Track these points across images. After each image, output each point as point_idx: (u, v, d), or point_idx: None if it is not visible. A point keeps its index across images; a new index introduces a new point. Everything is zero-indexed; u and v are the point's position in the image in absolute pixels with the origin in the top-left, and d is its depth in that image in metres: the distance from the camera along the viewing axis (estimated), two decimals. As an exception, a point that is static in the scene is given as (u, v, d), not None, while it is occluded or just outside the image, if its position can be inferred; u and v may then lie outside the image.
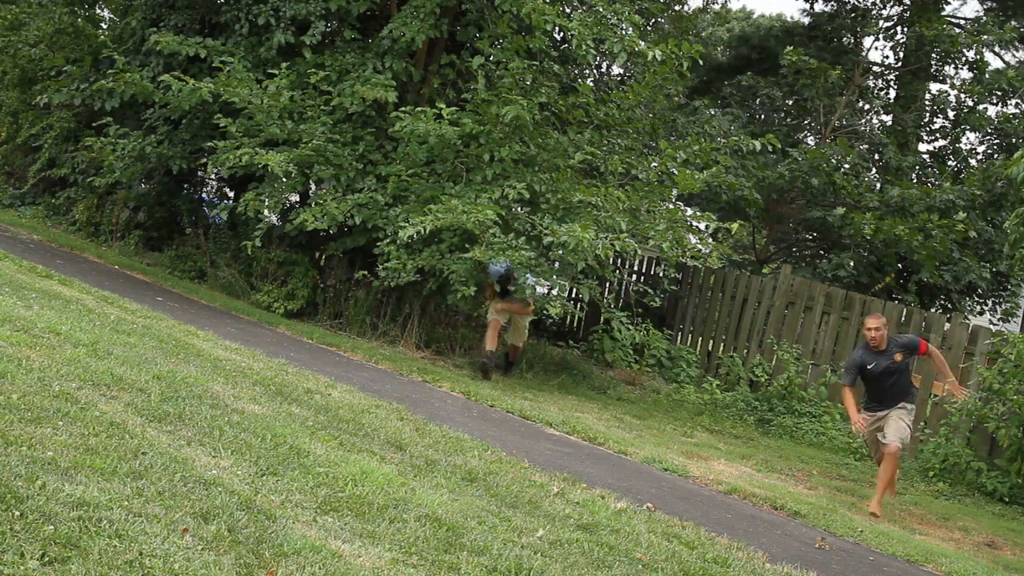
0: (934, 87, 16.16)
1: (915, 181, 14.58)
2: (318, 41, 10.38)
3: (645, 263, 13.43)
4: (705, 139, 11.86)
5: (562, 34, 11.87)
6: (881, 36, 15.83)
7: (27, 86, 14.08)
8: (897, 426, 6.98)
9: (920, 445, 8.98)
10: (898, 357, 7.03)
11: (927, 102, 15.54)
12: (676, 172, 10.50)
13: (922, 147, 15.75)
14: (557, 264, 9.68)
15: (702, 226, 11.07)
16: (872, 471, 8.05)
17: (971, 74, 14.96)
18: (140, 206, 13.08)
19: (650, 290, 10.71)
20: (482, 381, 9.17)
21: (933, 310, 12.61)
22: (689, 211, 11.53)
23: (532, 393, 9.12)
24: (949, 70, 15.37)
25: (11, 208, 14.17)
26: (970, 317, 13.80)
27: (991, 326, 11.55)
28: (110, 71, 11.03)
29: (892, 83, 16.57)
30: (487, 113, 9.65)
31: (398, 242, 9.32)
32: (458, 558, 3.67)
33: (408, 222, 9.06)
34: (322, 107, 10.15)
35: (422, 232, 8.77)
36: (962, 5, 46.16)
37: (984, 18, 15.66)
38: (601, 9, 9.70)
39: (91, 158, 12.45)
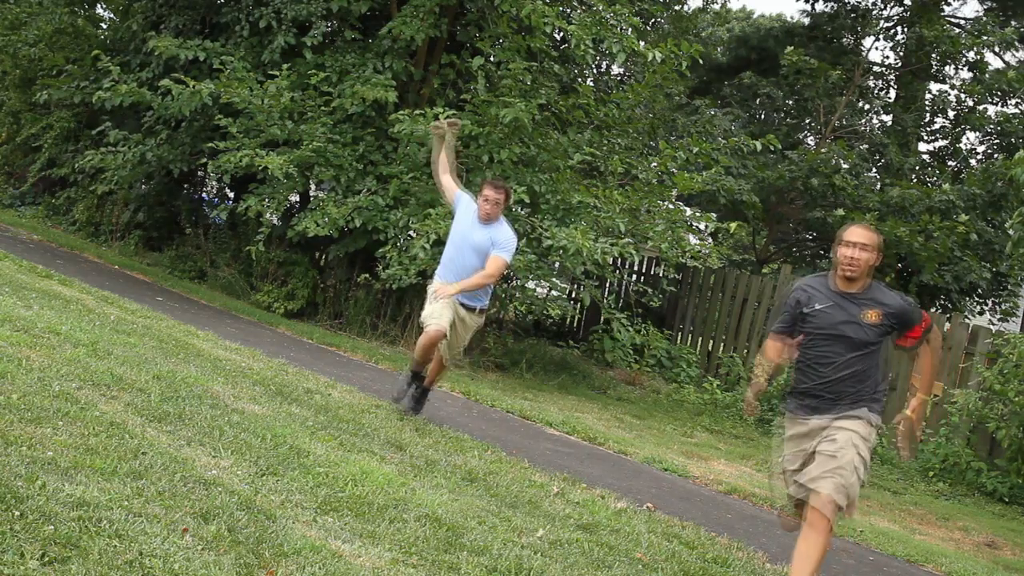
0: (934, 87, 16.17)
1: (915, 181, 14.57)
2: (319, 42, 10.38)
3: (645, 263, 13.42)
4: (706, 139, 11.86)
5: (562, 34, 11.87)
6: (881, 36, 15.82)
7: (27, 86, 14.09)
8: (838, 465, 3.96)
9: (920, 445, 8.97)
10: (872, 315, 4.06)
11: (927, 102, 15.53)
12: (676, 172, 10.50)
13: (922, 147, 15.76)
14: (557, 265, 9.67)
15: (702, 226, 11.07)
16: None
17: (971, 74, 14.96)
18: (140, 206, 13.08)
19: (650, 290, 10.70)
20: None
21: (933, 310, 12.61)
22: (689, 211, 11.52)
23: (532, 393, 9.12)
24: (949, 70, 15.38)
25: (11, 208, 14.17)
26: (970, 317, 13.79)
27: (991, 326, 11.55)
28: (107, 81, 10.94)
29: (892, 83, 16.57)
30: (487, 114, 9.64)
31: (402, 247, 9.29)
32: (458, 558, 3.66)
33: (412, 227, 9.02)
34: (322, 107, 10.15)
35: (427, 243, 8.76)
36: (962, 5, 46.22)
37: (984, 18, 15.66)
38: (600, 9, 9.69)
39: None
